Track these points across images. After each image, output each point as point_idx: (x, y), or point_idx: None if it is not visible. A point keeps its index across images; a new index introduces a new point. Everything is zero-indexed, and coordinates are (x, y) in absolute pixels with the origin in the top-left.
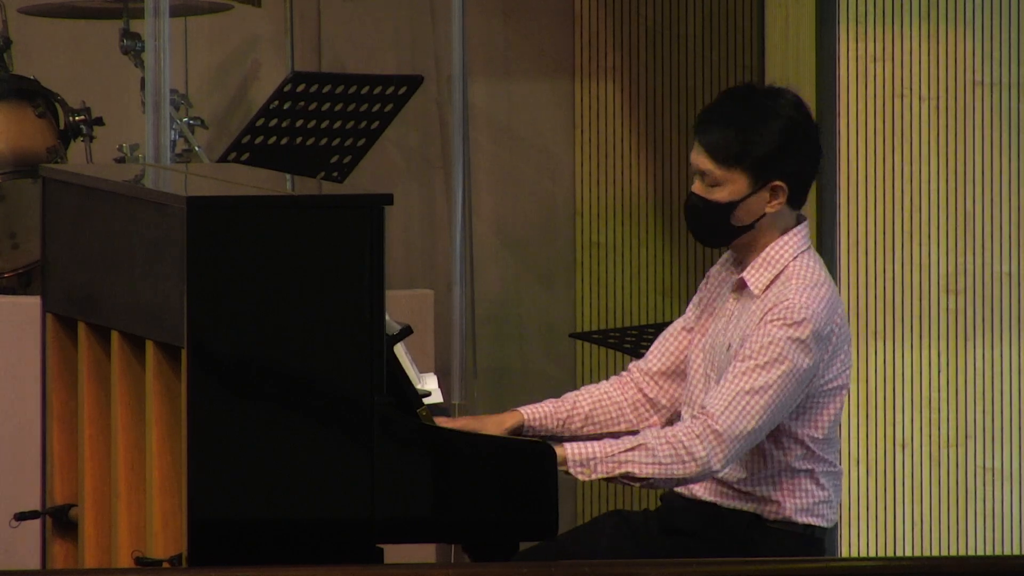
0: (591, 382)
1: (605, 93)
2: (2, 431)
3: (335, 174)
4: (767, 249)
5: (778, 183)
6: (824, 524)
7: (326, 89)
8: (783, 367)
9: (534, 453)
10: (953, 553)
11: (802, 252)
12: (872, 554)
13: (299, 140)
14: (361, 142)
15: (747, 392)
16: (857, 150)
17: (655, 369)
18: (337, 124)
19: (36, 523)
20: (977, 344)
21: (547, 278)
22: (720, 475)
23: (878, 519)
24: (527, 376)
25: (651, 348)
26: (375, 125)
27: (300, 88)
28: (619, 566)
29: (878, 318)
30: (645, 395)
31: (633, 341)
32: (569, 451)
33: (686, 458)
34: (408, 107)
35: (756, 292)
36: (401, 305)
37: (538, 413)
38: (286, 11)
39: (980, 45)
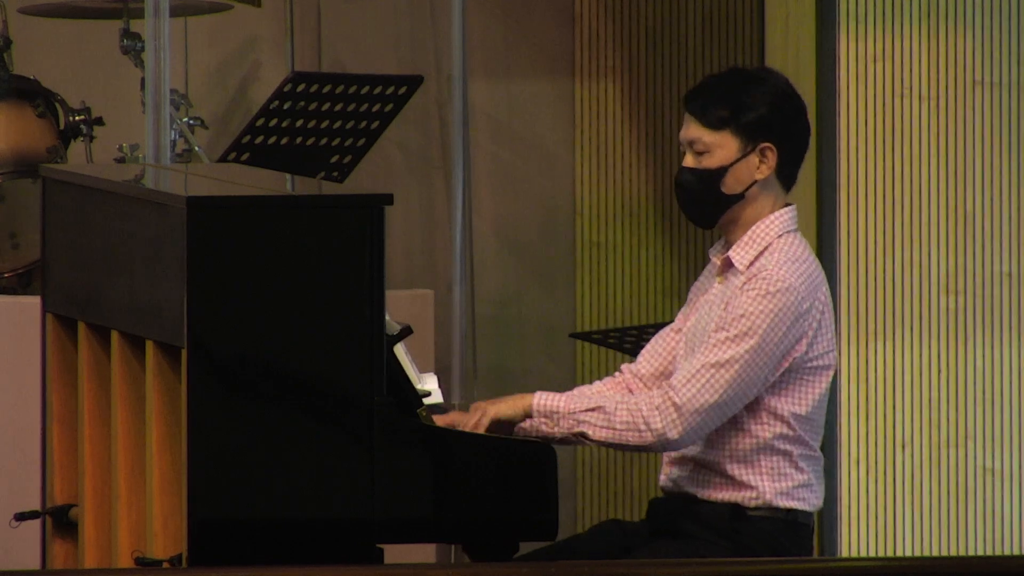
0: (591, 382)
1: (605, 93)
2: (2, 431)
3: (335, 174)
4: (753, 227)
5: (767, 145)
6: (807, 508)
7: (326, 89)
8: (752, 341)
9: (534, 453)
10: (953, 553)
11: (787, 232)
12: (872, 554)
13: (299, 140)
14: (361, 142)
15: (712, 365)
16: (857, 150)
17: (644, 372)
18: (337, 124)
19: (36, 523)
20: (977, 344)
21: (547, 278)
22: (695, 455)
23: (878, 519)
24: (527, 376)
25: (642, 352)
26: (375, 125)
27: (300, 88)
28: (619, 566)
29: (878, 318)
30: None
31: (633, 341)
32: (536, 401)
33: (642, 427)
34: (408, 107)
35: (741, 268)
36: (401, 305)
37: None
38: (286, 11)
39: (980, 45)
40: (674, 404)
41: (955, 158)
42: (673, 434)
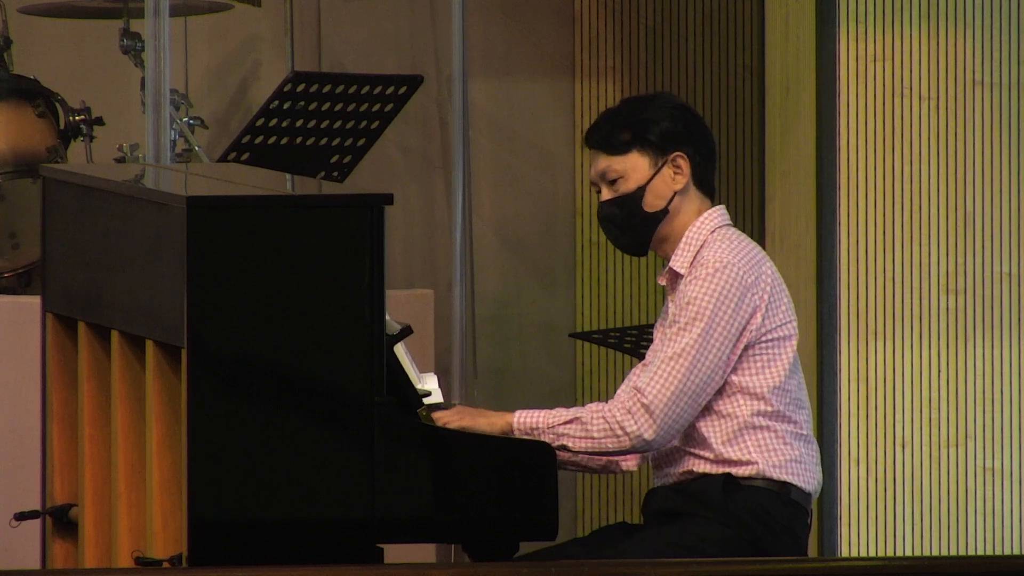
0: (591, 382)
1: (605, 93)
2: (2, 431)
3: (335, 174)
4: (685, 235)
5: (678, 153)
6: (803, 485)
7: (326, 89)
8: (701, 324)
9: (534, 453)
10: (953, 553)
11: (720, 227)
12: (872, 554)
13: (299, 140)
14: (361, 142)
15: (669, 358)
16: (857, 150)
17: None
18: (337, 124)
19: (36, 523)
20: (977, 344)
21: (547, 278)
22: (687, 450)
23: (878, 519)
24: (527, 376)
25: (619, 390)
26: (375, 125)
27: (300, 88)
28: (619, 566)
29: (878, 318)
30: None
31: (633, 341)
32: (516, 420)
33: (618, 432)
34: (408, 107)
35: (683, 272)
36: (401, 305)
37: None
38: (286, 11)
39: (980, 45)
40: (643, 405)
41: (955, 158)
42: (648, 434)
